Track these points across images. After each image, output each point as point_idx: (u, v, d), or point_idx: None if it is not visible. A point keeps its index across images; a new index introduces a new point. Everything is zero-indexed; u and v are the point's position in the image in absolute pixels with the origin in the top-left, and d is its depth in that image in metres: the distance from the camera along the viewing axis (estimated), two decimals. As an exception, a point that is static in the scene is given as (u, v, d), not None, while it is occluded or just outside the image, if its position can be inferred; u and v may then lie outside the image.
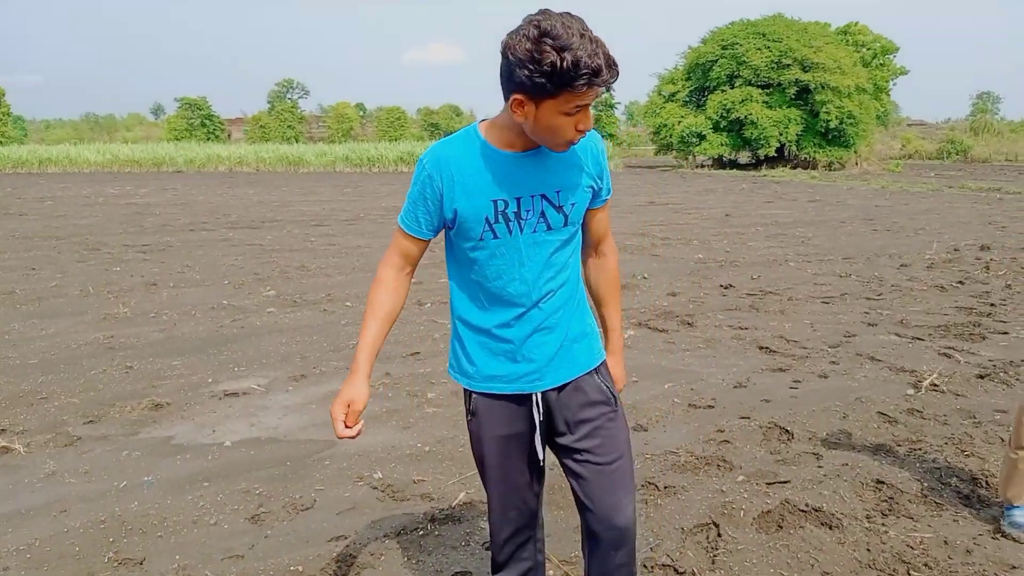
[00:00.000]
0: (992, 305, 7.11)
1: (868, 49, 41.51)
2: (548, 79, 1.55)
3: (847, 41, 40.50)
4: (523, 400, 1.93)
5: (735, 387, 4.89)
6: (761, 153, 36.41)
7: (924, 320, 6.57)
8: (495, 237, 1.79)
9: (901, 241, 11.51)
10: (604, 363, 2.03)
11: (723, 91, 36.33)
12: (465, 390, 1.99)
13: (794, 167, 35.52)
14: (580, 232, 1.97)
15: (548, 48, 1.53)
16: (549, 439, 2.01)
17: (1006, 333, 6.09)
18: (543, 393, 1.93)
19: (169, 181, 28.00)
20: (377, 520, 3.15)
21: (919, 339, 5.96)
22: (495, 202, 1.77)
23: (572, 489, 2.01)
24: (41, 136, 72.24)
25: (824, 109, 34.14)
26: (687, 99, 39.06)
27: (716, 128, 36.26)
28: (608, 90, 1.66)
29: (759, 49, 35.25)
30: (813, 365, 5.31)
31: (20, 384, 4.87)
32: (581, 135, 1.69)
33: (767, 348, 5.76)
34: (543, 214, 1.80)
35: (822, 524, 3.07)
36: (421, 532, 3.04)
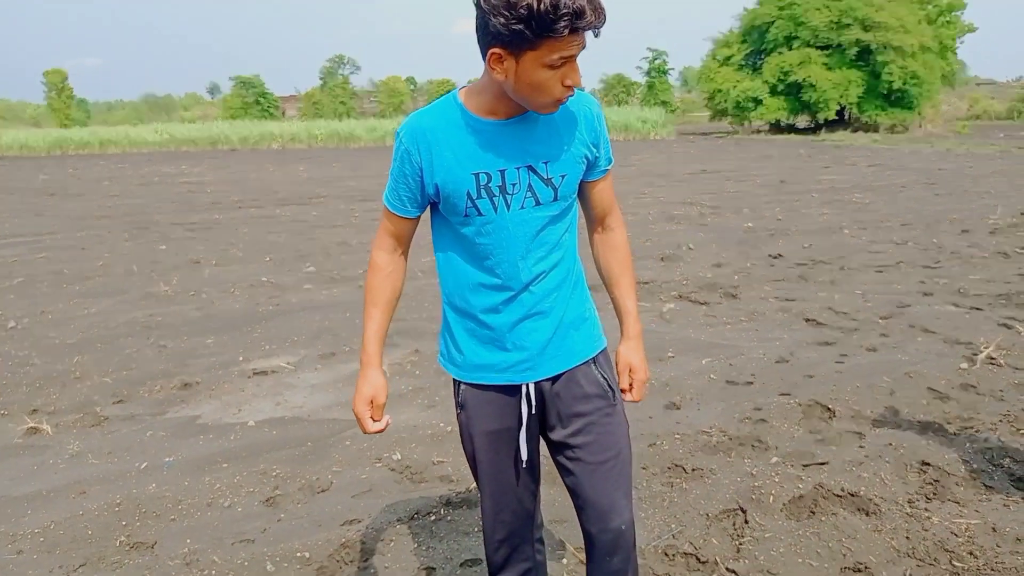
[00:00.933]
0: (1061, 272, 6.68)
1: (934, 6, 39.58)
2: (526, 25, 1.39)
3: (911, -2, 38.71)
4: (514, 391, 1.79)
5: (777, 362, 4.67)
6: (820, 117, 35.19)
7: (984, 289, 6.20)
8: (479, 214, 1.64)
9: (964, 206, 10.94)
10: (604, 352, 1.87)
11: (780, 53, 35.14)
12: (454, 381, 1.85)
13: (855, 130, 34.24)
14: (574, 207, 1.80)
15: None
16: (541, 433, 1.88)
17: (1075, 302, 5.70)
18: (536, 384, 1.78)
19: (224, 159, 28.48)
20: (392, 503, 3.07)
21: (978, 309, 5.62)
22: (476, 175, 1.61)
23: (567, 487, 1.87)
24: (104, 118, 74.21)
25: (886, 70, 32.76)
26: (743, 63, 37.91)
27: (773, 92, 35.16)
28: (596, 35, 1.47)
29: (818, 9, 33.92)
30: (862, 338, 5.05)
31: (56, 364, 4.94)
32: (569, 92, 1.53)
33: (814, 320, 5.50)
34: (531, 187, 1.64)
35: (858, 510, 2.88)
36: (434, 517, 2.95)
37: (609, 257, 1.92)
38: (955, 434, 3.56)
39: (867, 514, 2.85)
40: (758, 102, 35.38)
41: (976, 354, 4.60)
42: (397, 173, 1.69)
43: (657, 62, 53.45)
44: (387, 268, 1.81)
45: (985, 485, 3.06)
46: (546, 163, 1.64)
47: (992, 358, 4.53)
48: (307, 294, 6.74)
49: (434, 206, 1.74)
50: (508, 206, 1.63)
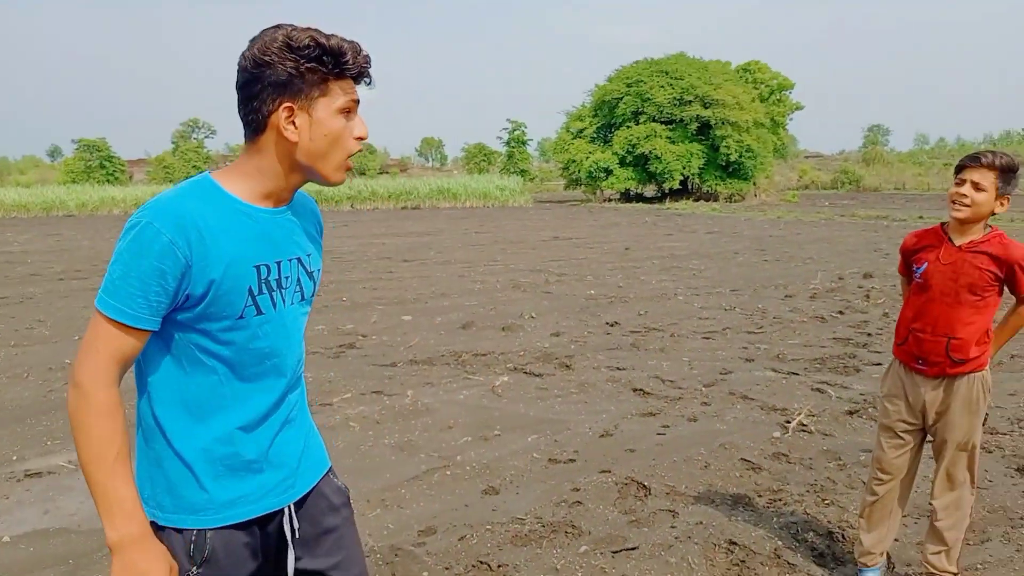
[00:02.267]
0: (869, 335, 7.10)
1: (766, 86, 43.23)
2: (319, 62, 1.37)
3: (747, 79, 42.11)
4: (267, 522, 1.54)
5: (601, 436, 4.60)
6: (666, 186, 37.21)
7: (801, 353, 6.48)
8: (258, 313, 1.43)
9: (789, 271, 11.64)
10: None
11: (628, 127, 37.07)
12: (177, 534, 1.45)
13: (697, 199, 36.40)
14: None
15: (303, 35, 1.37)
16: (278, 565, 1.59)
17: (879, 364, 6.03)
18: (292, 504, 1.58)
19: (56, 226, 26.46)
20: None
21: (794, 374, 5.84)
22: (258, 268, 1.42)
23: None
24: (-76, 182, 67.84)
25: (724, 143, 35.23)
26: (594, 135, 39.71)
27: (622, 163, 36.91)
28: (369, 83, 1.47)
29: (662, 87, 36.20)
30: (684, 407, 5.08)
31: None
32: (358, 147, 1.47)
33: (641, 390, 5.52)
34: (299, 281, 1.52)
35: (661, 601, 2.76)
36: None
37: None
38: (764, 508, 3.56)
39: (669, 605, 2.73)
40: (609, 172, 37.00)
41: (789, 421, 4.72)
42: (148, 272, 1.31)
43: (516, 133, 55.12)
44: (120, 409, 1.36)
45: (788, 563, 3.03)
46: (308, 256, 1.56)
47: (804, 425, 4.66)
48: (113, 377, 6.12)
49: (171, 319, 1.40)
50: (284, 301, 1.48)
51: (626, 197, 38.90)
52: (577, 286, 10.63)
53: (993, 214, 2.58)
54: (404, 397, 5.44)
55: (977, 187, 2.53)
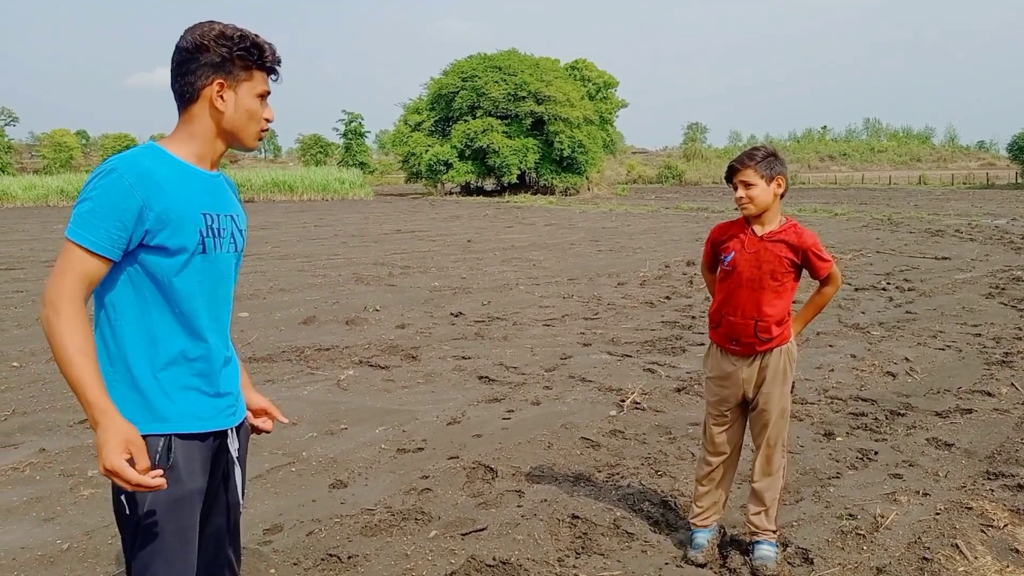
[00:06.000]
0: (693, 318, 7.62)
1: (593, 84, 44.97)
2: (248, 52, 1.72)
3: (575, 76, 43.62)
4: (213, 441, 1.82)
5: (449, 424, 4.67)
6: (504, 180, 37.92)
7: (633, 336, 6.85)
8: (204, 252, 1.73)
9: (621, 260, 12.24)
10: None
11: (466, 121, 37.44)
12: (151, 440, 1.68)
13: (534, 193, 37.38)
14: None
15: (235, 30, 1.72)
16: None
17: (702, 344, 6.49)
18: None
19: None
20: (-33, 657, 2.45)
21: (628, 356, 6.17)
22: (205, 215, 1.74)
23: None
24: None
25: (557, 139, 36.39)
26: (432, 128, 39.78)
27: (461, 156, 37.25)
28: (276, 78, 1.83)
29: (496, 82, 36.81)
30: (528, 392, 5.25)
31: None
32: (266, 128, 1.82)
33: (487, 378, 5.64)
34: (232, 235, 1.83)
35: (510, 577, 2.86)
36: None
37: None
38: (603, 482, 3.76)
39: (518, 580, 2.83)
40: (448, 166, 37.23)
41: (624, 400, 4.99)
42: (110, 208, 1.61)
43: (353, 124, 54.15)
44: (86, 322, 1.61)
45: (627, 532, 3.22)
46: (237, 216, 1.86)
47: (637, 403, 4.94)
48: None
49: (133, 258, 1.68)
50: (222, 247, 1.78)
51: (467, 190, 39.30)
52: (421, 278, 10.65)
53: (781, 197, 2.87)
54: (243, 396, 5.24)
55: (747, 185, 2.81)
